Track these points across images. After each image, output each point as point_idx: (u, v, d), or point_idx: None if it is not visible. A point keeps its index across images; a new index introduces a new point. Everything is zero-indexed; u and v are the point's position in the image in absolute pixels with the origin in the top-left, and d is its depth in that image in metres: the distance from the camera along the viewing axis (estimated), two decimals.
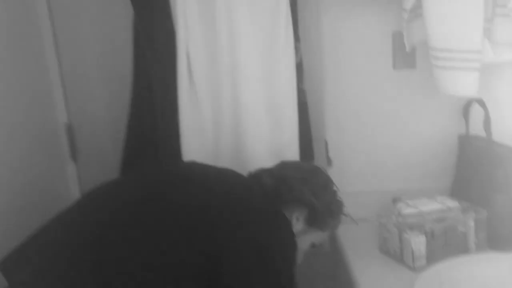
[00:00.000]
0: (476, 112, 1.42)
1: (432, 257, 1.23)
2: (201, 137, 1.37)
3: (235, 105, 1.36)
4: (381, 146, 1.55)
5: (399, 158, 1.55)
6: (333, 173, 1.53)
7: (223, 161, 1.35)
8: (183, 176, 1.15)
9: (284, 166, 1.20)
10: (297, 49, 1.40)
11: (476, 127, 1.42)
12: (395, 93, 1.52)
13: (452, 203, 1.31)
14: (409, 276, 1.20)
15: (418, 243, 1.22)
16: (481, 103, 1.39)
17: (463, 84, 1.34)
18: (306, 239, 1.17)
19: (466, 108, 1.45)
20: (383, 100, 1.53)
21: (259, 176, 1.18)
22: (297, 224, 1.15)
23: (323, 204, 1.16)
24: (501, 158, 1.36)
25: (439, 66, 1.34)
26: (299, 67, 1.41)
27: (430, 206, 1.30)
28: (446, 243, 1.26)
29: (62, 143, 1.57)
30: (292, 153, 1.38)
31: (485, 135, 1.38)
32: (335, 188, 1.21)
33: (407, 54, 1.49)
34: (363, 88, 1.53)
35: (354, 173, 1.57)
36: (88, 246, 0.98)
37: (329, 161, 1.55)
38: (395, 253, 1.29)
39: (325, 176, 1.22)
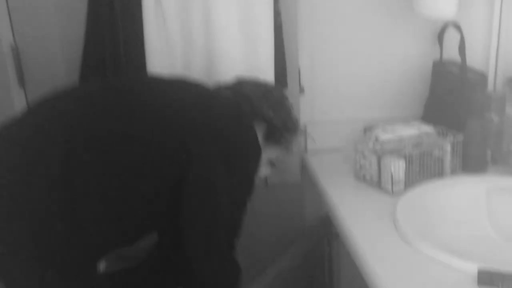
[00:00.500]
0: (451, 37, 1.40)
1: (409, 181, 1.23)
2: (169, 58, 1.27)
3: (207, 24, 1.26)
4: (354, 74, 1.50)
5: (372, 86, 1.52)
6: (305, 102, 1.50)
7: None
8: (150, 84, 1.13)
9: (242, 82, 1.20)
10: None
11: (451, 52, 1.41)
12: (369, 16, 1.46)
13: (428, 128, 1.31)
14: (387, 201, 1.20)
15: (397, 167, 1.21)
16: (457, 27, 1.37)
17: (441, 5, 1.31)
18: (264, 155, 1.17)
19: (441, 33, 1.42)
20: (357, 24, 1.47)
21: (218, 90, 1.17)
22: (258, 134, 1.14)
23: (280, 119, 1.17)
24: (474, 83, 1.36)
25: None
26: None
27: (407, 131, 1.29)
28: (422, 168, 1.26)
29: (8, 68, 1.40)
30: (267, 79, 1.31)
31: (460, 60, 1.37)
32: (289, 105, 1.22)
33: None
34: (336, 12, 1.46)
35: (326, 101, 1.52)
36: (56, 159, 0.93)
37: (301, 89, 1.49)
38: (372, 179, 1.28)
39: (281, 93, 1.24)
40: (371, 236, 1.07)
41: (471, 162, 1.29)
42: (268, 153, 1.19)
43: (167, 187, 0.99)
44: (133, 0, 1.24)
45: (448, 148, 1.26)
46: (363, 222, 1.12)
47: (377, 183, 1.26)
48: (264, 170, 1.21)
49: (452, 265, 0.93)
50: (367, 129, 1.38)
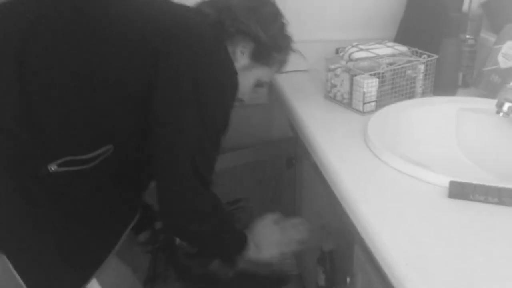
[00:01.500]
0: None
1: (381, 101, 1.21)
2: None
3: None
4: None
5: (345, 6, 1.46)
6: None
7: None
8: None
9: None
10: None
11: None
12: None
13: (402, 48, 1.27)
14: (358, 119, 1.17)
15: (370, 86, 1.18)
16: None
17: None
18: (250, 75, 1.09)
19: None
20: None
21: (199, 7, 1.06)
22: (242, 58, 1.07)
23: (270, 37, 1.07)
24: (448, 3, 1.32)
25: None
26: None
27: (382, 50, 1.25)
28: (394, 87, 1.23)
29: None
30: None
31: None
32: (284, 21, 1.11)
33: None
34: None
35: (297, 22, 1.43)
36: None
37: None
38: (343, 99, 1.24)
39: (274, 7, 1.11)
40: (341, 152, 1.04)
41: (442, 84, 1.27)
42: (255, 74, 1.11)
43: (129, 98, 0.93)
44: None
45: (422, 68, 1.23)
46: (333, 139, 1.09)
47: (348, 102, 1.23)
48: (249, 94, 1.13)
49: (423, 178, 0.92)
50: (341, 49, 1.33)
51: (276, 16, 1.10)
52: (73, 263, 0.91)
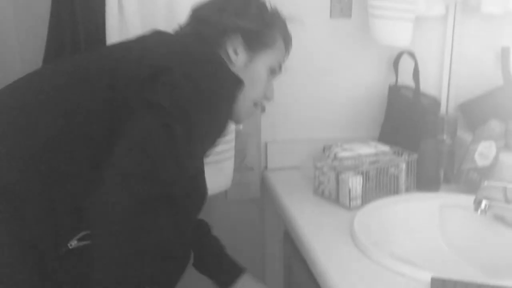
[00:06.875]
0: (406, 64, 1.47)
1: (366, 197, 1.27)
2: None
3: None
4: (314, 94, 1.55)
5: (331, 107, 1.57)
6: (267, 121, 1.53)
7: None
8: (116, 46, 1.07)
9: (196, 9, 1.09)
10: None
11: (406, 78, 1.47)
12: (330, 42, 1.53)
13: (384, 147, 1.36)
14: (345, 215, 1.22)
15: (355, 183, 1.24)
16: (411, 55, 1.45)
17: (398, 34, 1.38)
18: (258, 66, 1.07)
19: (396, 59, 1.49)
20: (318, 49, 1.53)
21: (176, 31, 1.10)
22: (239, 55, 1.06)
23: (252, 20, 1.05)
24: (427, 107, 1.43)
25: (376, 15, 1.38)
26: None
27: (365, 149, 1.33)
28: (379, 184, 1.30)
29: None
30: None
31: (414, 86, 1.44)
32: (259, 1, 1.10)
33: (344, 4, 1.50)
34: (298, 37, 1.50)
35: (287, 121, 1.56)
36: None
37: (262, 109, 1.52)
38: (330, 195, 1.30)
39: None
40: (329, 248, 1.08)
41: (424, 181, 1.34)
42: (263, 62, 1.07)
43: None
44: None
45: (403, 166, 1.31)
46: (321, 235, 1.14)
47: (335, 199, 1.29)
48: (266, 87, 1.10)
49: (407, 273, 0.96)
50: (326, 148, 1.42)
51: (247, 1, 1.08)
52: None
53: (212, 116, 0.94)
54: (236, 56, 1.06)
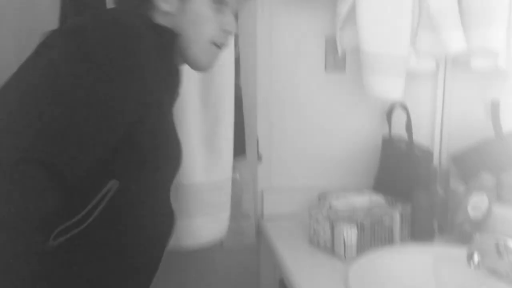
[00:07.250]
0: (399, 116, 1.51)
1: (361, 248, 1.28)
2: None
3: None
4: (310, 144, 1.59)
5: (326, 156, 1.60)
6: (263, 169, 1.56)
7: None
8: None
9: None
10: (236, 42, 1.40)
11: (399, 129, 1.51)
12: (325, 94, 1.58)
13: (378, 198, 1.38)
14: (340, 266, 1.23)
15: (349, 234, 1.26)
16: (404, 107, 1.49)
17: (390, 88, 1.43)
18: (196, 4, 0.97)
19: (389, 111, 1.54)
20: (314, 101, 1.58)
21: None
22: (169, 2, 0.96)
23: None
24: (420, 159, 1.46)
25: (369, 70, 1.42)
26: (237, 62, 1.41)
27: (359, 200, 1.35)
28: (373, 235, 1.31)
29: None
30: (227, 147, 1.37)
31: (407, 137, 1.48)
32: None
33: (338, 58, 1.56)
34: (295, 88, 1.57)
35: (282, 169, 1.59)
36: None
37: (259, 157, 1.56)
38: (325, 245, 1.31)
39: None
40: None
41: (419, 231, 1.35)
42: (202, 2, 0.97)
43: None
44: None
45: (398, 217, 1.33)
46: (316, 285, 1.14)
47: (331, 249, 1.30)
48: (205, 53, 1.00)
49: None
50: (321, 197, 1.44)
51: None
52: None
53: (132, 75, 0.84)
54: (167, 4, 0.96)
